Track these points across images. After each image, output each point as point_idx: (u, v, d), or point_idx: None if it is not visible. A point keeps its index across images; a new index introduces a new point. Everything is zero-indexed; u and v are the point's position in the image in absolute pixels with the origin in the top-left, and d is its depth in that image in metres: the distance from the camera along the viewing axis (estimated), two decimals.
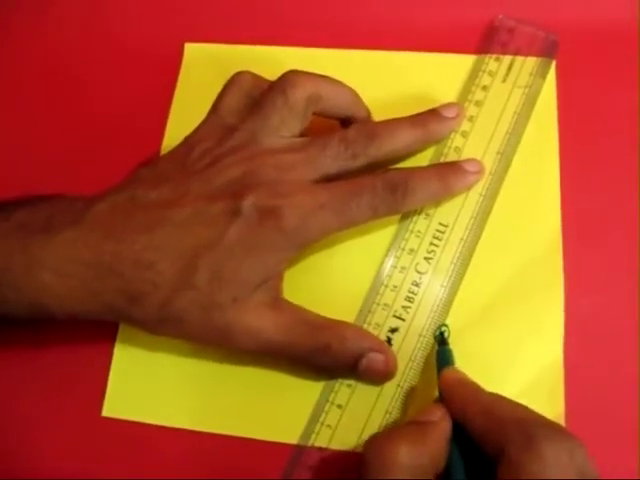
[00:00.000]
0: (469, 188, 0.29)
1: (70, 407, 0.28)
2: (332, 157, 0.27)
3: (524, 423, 0.21)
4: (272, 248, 0.25)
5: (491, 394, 0.23)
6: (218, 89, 0.30)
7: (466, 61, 0.32)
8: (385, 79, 0.32)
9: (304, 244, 0.26)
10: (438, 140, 0.30)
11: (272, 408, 0.27)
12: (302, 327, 0.26)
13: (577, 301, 0.27)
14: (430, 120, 0.29)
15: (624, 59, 0.31)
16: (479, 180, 0.29)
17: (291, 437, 0.26)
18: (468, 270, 0.28)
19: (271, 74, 0.31)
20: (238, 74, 0.29)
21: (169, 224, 0.25)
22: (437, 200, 0.29)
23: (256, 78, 0.29)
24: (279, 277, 0.27)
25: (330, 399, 0.26)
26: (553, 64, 0.31)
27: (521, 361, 0.27)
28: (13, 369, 0.29)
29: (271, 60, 0.33)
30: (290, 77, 0.27)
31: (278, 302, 0.26)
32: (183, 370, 0.28)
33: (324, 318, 0.26)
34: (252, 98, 0.28)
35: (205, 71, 0.33)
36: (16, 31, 0.36)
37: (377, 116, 0.30)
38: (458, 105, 0.30)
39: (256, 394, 0.27)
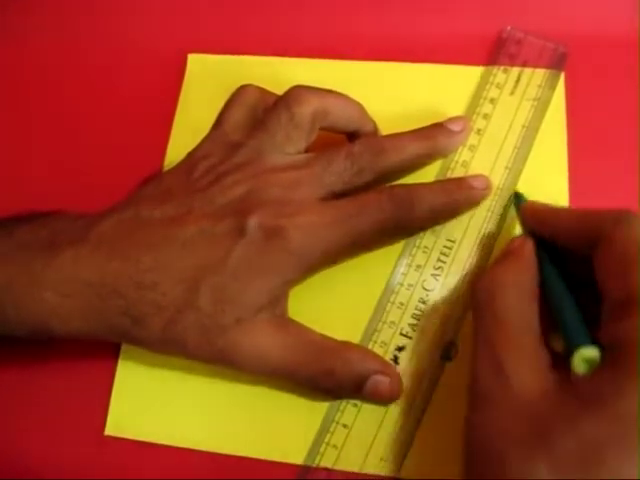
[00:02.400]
0: (477, 204, 0.28)
1: (72, 425, 0.28)
2: (338, 173, 0.26)
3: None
4: (278, 269, 0.25)
5: None
6: (222, 100, 0.30)
7: (474, 73, 0.31)
8: (392, 91, 0.32)
9: (311, 264, 0.25)
10: (445, 154, 0.29)
11: (278, 427, 0.27)
12: (307, 349, 0.25)
13: None
14: (437, 134, 0.28)
15: (633, 71, 0.31)
16: (486, 196, 0.28)
17: (296, 457, 0.26)
18: None
19: (275, 85, 0.31)
20: (243, 88, 0.29)
21: (173, 243, 0.25)
22: (441, 217, 0.28)
23: (261, 92, 0.29)
24: (285, 298, 0.26)
25: (336, 419, 0.26)
26: (562, 76, 0.31)
27: None
28: (14, 386, 0.28)
29: (275, 71, 0.33)
30: (295, 93, 0.27)
31: (283, 323, 0.26)
32: (188, 388, 0.27)
33: (330, 340, 0.26)
34: (257, 113, 0.28)
35: (208, 82, 0.33)
36: (17, 42, 0.36)
37: (384, 129, 0.30)
38: (465, 118, 0.30)
39: (261, 413, 0.27)
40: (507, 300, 0.22)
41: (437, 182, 0.29)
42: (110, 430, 0.27)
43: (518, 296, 0.22)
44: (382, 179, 0.27)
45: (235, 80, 0.32)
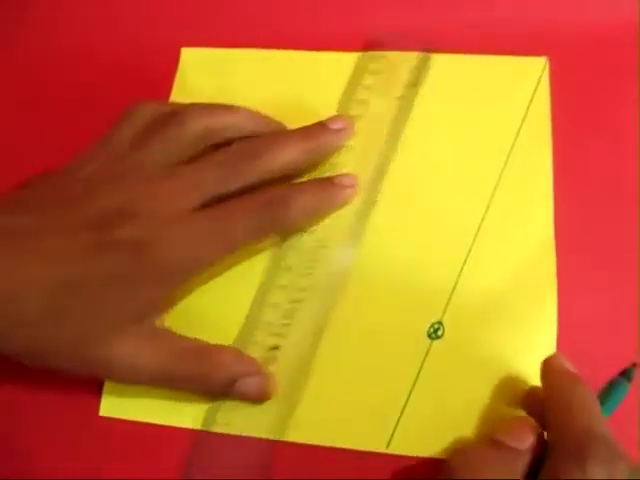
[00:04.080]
0: (347, 202, 0.29)
1: (66, 407, 0.28)
2: (211, 181, 0.26)
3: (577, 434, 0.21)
4: (147, 282, 0.24)
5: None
6: (215, 93, 0.31)
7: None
8: None
9: (184, 276, 0.25)
10: (328, 153, 0.29)
11: (274, 405, 0.27)
12: (180, 357, 0.25)
13: (570, 305, 0.27)
14: (318, 133, 0.28)
15: (620, 60, 0.31)
16: (355, 194, 0.29)
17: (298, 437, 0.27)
18: (461, 274, 0.28)
19: (268, 77, 0.33)
20: (139, 105, 0.28)
21: (34, 255, 0.24)
22: (317, 216, 0.28)
23: (157, 108, 0.28)
24: (157, 309, 0.26)
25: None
26: (546, 69, 0.32)
27: (516, 363, 0.27)
28: (7, 368, 0.28)
29: (269, 63, 0.33)
30: (190, 110, 0.27)
31: (155, 333, 0.26)
32: None
33: (202, 344, 0.26)
34: (149, 129, 0.27)
35: (202, 76, 0.34)
36: (9, 36, 0.36)
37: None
38: (344, 117, 0.30)
39: None
40: None
41: (310, 182, 0.29)
42: (105, 411, 0.28)
43: None
44: (262, 182, 0.27)
45: (229, 73, 0.33)
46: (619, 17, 0.32)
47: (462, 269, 0.28)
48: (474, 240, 0.29)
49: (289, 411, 0.27)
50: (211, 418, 0.27)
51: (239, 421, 0.27)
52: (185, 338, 0.26)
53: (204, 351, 0.26)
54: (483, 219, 0.29)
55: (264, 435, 0.27)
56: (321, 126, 0.29)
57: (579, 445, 0.21)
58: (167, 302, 0.27)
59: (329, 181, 0.29)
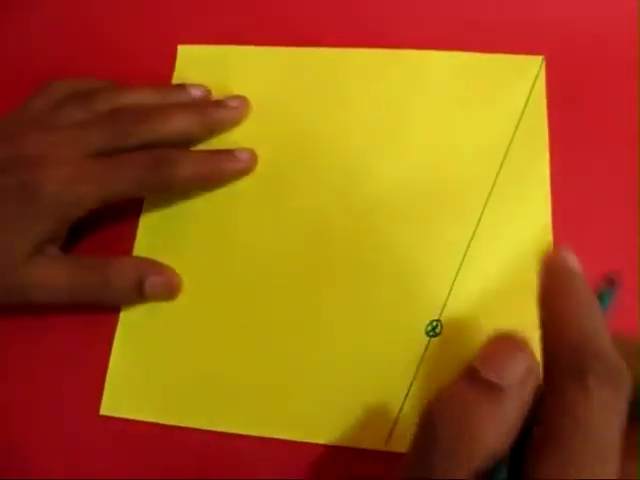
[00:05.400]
0: (241, 175, 0.31)
1: (68, 406, 0.28)
2: (102, 134, 0.28)
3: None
4: (36, 218, 0.27)
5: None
6: (212, 90, 0.32)
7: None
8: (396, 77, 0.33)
9: (65, 215, 0.28)
10: (219, 128, 0.32)
11: (274, 403, 0.27)
12: (86, 269, 0.28)
13: None
14: (209, 107, 0.31)
15: (617, 59, 0.32)
16: (251, 169, 0.31)
17: (299, 434, 0.27)
18: (460, 271, 0.28)
19: (266, 74, 0.33)
20: (53, 81, 0.31)
21: None
22: (205, 182, 0.30)
23: (72, 86, 0.31)
24: (54, 241, 0.29)
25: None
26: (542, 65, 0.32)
27: None
28: (8, 367, 0.29)
29: (265, 60, 0.33)
30: (97, 91, 0.30)
31: (61, 256, 0.29)
32: (182, 367, 0.28)
33: (106, 257, 0.29)
34: (59, 103, 0.30)
35: (198, 73, 0.34)
36: (6, 34, 0.36)
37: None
38: (242, 97, 0.32)
39: (257, 391, 0.28)
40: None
41: (206, 150, 0.31)
42: (105, 410, 0.28)
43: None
44: (155, 146, 0.29)
45: (225, 70, 0.33)
46: (616, 15, 0.33)
47: (460, 268, 0.28)
48: (472, 239, 0.29)
49: (285, 408, 0.27)
50: (213, 416, 0.27)
51: (234, 419, 0.27)
52: (89, 256, 0.29)
53: (107, 261, 0.29)
54: (480, 218, 0.29)
55: (261, 434, 0.27)
56: (218, 102, 0.32)
57: (577, 357, 0.18)
58: (61, 234, 0.29)
59: (224, 152, 0.31)
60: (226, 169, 0.30)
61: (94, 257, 0.29)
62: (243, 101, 0.32)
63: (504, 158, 0.30)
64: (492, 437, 0.17)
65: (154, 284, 0.28)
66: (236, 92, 0.33)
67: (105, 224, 0.31)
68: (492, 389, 0.18)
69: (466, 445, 0.17)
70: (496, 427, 0.17)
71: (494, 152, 0.30)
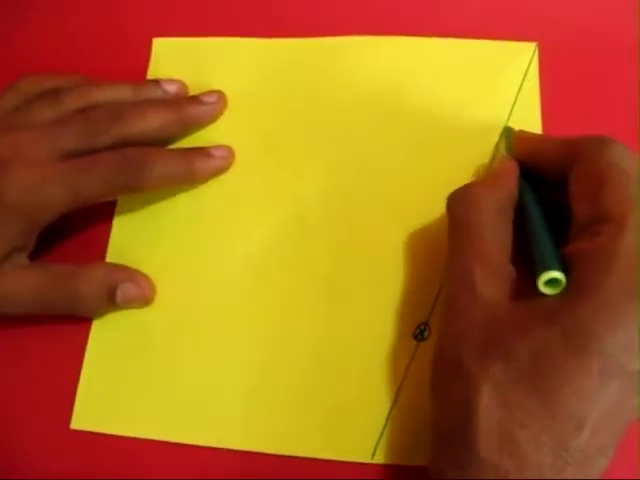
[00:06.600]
0: (217, 173, 0.29)
1: (37, 419, 0.27)
2: (72, 134, 0.27)
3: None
4: (2, 223, 0.26)
5: None
6: (190, 83, 0.31)
7: None
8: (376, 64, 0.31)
9: (33, 220, 0.26)
10: (195, 124, 0.30)
11: (253, 416, 0.26)
12: (54, 280, 0.27)
13: None
14: (184, 103, 0.30)
15: (610, 45, 0.31)
16: (227, 166, 0.29)
17: (264, 446, 0.25)
18: None
19: (243, 66, 0.31)
20: (23, 78, 0.30)
21: None
22: (179, 181, 0.29)
23: (42, 84, 0.30)
24: (21, 248, 0.27)
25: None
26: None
27: None
28: None
29: (240, 51, 0.32)
30: (66, 90, 0.29)
31: (28, 265, 0.27)
32: (157, 378, 0.27)
33: (74, 266, 0.27)
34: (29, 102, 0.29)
35: (174, 65, 0.32)
36: None
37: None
38: (219, 92, 0.31)
39: (236, 403, 0.26)
40: (483, 216, 0.23)
41: (180, 149, 0.30)
42: (76, 423, 0.26)
43: (494, 214, 0.23)
44: (128, 144, 0.28)
45: (203, 63, 0.32)
46: (609, 2, 0.31)
47: None
48: None
49: (266, 420, 0.26)
50: (189, 429, 0.26)
51: (212, 432, 0.26)
52: (57, 264, 0.28)
53: (77, 269, 0.27)
54: None
55: (243, 447, 0.25)
56: (193, 98, 0.30)
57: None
58: (30, 241, 0.27)
59: (199, 150, 0.29)
60: (201, 168, 0.29)
61: (64, 265, 0.27)
62: (220, 96, 0.31)
63: (497, 144, 0.29)
64: None
65: (126, 292, 0.27)
66: (215, 86, 0.31)
67: (77, 228, 0.30)
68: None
69: None
70: None
71: (487, 139, 0.29)
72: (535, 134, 0.27)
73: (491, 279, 0.21)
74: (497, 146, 0.29)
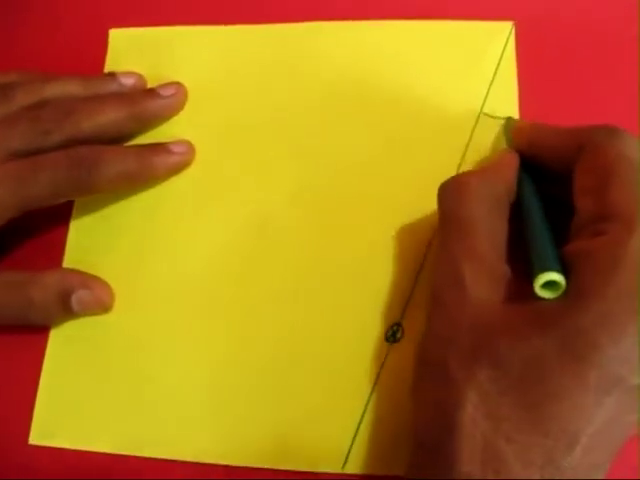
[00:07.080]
0: (177, 170, 0.28)
1: None
2: (20, 134, 0.26)
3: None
4: None
5: None
6: (146, 73, 0.29)
7: None
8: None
9: None
10: (153, 119, 0.29)
11: (218, 426, 0.25)
12: (5, 288, 0.25)
13: None
14: (140, 97, 0.28)
15: (588, 23, 0.29)
16: (187, 162, 0.28)
17: (229, 458, 0.24)
18: (421, 273, 0.25)
19: (205, 55, 0.30)
20: None
21: None
22: (135, 180, 0.27)
23: None
24: None
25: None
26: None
27: None
28: None
29: (198, 40, 0.30)
30: (16, 86, 0.27)
31: None
32: (120, 389, 0.25)
33: (28, 273, 0.26)
34: None
35: (132, 56, 0.31)
36: None
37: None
38: (178, 84, 0.29)
39: (201, 413, 0.25)
40: (475, 210, 0.21)
41: (133, 146, 0.28)
42: (35, 438, 0.25)
43: (488, 207, 0.21)
44: (81, 142, 0.26)
45: (161, 53, 0.31)
46: None
47: (422, 268, 0.25)
48: (433, 236, 0.26)
49: (231, 431, 0.24)
50: (153, 442, 0.25)
51: (178, 445, 0.24)
52: (11, 271, 0.26)
53: (30, 277, 0.26)
54: None
55: (200, 459, 0.24)
56: (150, 92, 0.29)
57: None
58: None
59: (156, 146, 0.28)
60: (159, 165, 0.27)
61: (18, 272, 0.26)
62: (179, 88, 0.29)
63: (474, 127, 0.27)
64: None
65: (81, 299, 0.26)
66: (176, 77, 0.30)
67: (35, 232, 0.28)
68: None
69: None
70: None
71: (463, 121, 0.28)
72: (537, 123, 0.25)
73: (483, 279, 0.20)
74: (473, 132, 0.27)
